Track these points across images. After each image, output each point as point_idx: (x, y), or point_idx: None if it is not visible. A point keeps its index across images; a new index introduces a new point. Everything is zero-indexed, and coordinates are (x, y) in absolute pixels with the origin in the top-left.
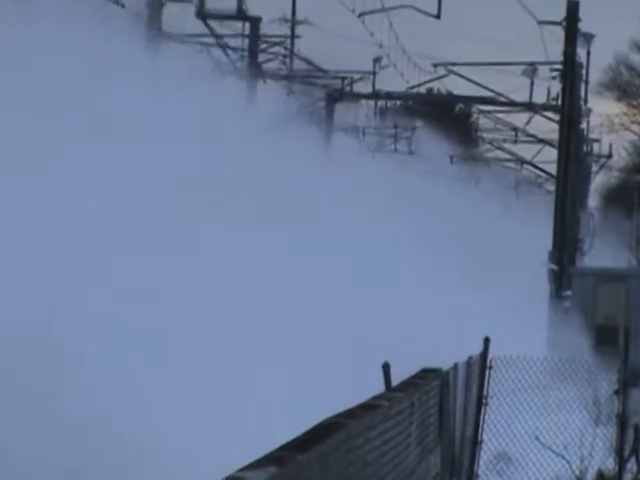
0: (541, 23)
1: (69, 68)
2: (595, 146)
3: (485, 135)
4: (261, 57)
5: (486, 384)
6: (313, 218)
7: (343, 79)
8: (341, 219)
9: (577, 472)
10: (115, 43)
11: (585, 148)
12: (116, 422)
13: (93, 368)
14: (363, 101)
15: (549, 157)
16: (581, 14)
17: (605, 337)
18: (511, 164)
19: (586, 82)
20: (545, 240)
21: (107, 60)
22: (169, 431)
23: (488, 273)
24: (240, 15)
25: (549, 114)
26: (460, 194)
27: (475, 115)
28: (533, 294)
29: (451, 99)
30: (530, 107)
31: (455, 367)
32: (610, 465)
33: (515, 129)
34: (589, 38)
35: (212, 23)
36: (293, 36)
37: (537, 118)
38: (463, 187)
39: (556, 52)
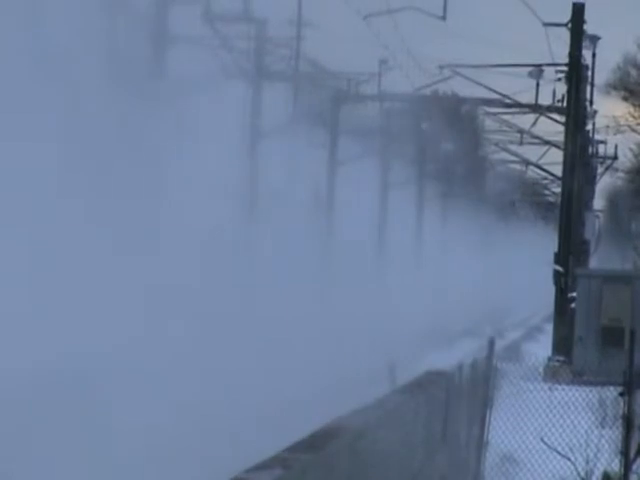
0: (546, 25)
1: None
2: (601, 147)
3: (491, 137)
4: (267, 59)
5: (491, 385)
6: None
7: (349, 81)
8: None
9: (582, 473)
10: None
11: (591, 149)
12: None
13: None
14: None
15: (555, 159)
16: (587, 16)
17: (610, 339)
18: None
19: (591, 84)
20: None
21: None
22: None
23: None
24: (246, 17)
25: (555, 116)
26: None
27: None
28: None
29: (457, 101)
30: (536, 109)
31: (460, 368)
32: (616, 467)
33: (521, 131)
34: (594, 40)
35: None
36: (299, 38)
37: (543, 120)
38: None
39: (561, 54)
